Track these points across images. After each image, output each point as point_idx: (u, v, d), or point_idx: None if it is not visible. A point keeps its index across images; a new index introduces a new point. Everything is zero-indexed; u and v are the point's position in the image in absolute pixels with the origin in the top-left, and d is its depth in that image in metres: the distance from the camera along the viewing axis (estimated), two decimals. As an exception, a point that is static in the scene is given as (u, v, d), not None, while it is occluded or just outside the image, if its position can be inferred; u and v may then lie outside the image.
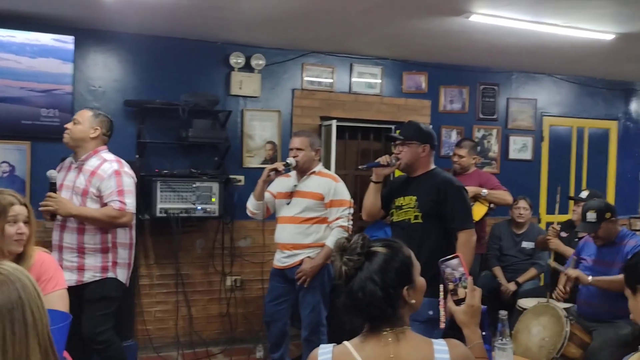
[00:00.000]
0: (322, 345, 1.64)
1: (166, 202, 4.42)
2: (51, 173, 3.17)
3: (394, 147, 3.23)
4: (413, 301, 1.61)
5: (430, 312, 3.02)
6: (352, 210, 3.83)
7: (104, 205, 3.18)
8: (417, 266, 1.67)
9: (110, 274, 3.22)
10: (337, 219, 3.73)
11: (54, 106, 4.29)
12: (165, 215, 4.37)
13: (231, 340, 4.82)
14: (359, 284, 1.56)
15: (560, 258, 4.44)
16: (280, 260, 3.85)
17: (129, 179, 3.25)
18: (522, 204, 5.05)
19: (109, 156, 3.31)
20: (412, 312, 1.65)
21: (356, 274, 1.57)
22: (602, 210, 3.51)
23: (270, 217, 4.05)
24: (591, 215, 3.52)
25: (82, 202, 3.20)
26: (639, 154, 6.61)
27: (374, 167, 3.19)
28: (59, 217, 3.19)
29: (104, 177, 3.18)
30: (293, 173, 3.85)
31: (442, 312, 1.94)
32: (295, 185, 3.81)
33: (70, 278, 3.09)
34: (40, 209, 3.09)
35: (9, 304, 1.18)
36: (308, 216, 3.74)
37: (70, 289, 3.00)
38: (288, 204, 3.80)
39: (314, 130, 5.19)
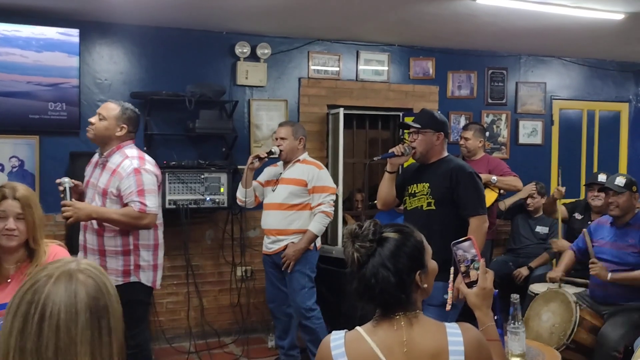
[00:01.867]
0: (334, 332, 1.63)
1: (175, 194, 4.43)
2: (62, 181, 2.98)
3: (408, 136, 3.22)
4: (425, 285, 1.60)
5: (445, 296, 3.01)
6: (334, 197, 3.96)
7: (124, 205, 2.99)
8: (428, 250, 1.65)
9: (133, 278, 3.05)
10: (319, 204, 3.86)
11: (61, 100, 4.30)
12: (174, 206, 4.38)
13: (243, 330, 4.84)
14: (371, 270, 1.55)
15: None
16: (267, 245, 4.00)
17: (150, 177, 3.02)
18: (533, 188, 5.02)
19: (132, 152, 3.08)
20: (424, 297, 1.64)
21: (368, 260, 1.55)
22: (632, 181, 3.58)
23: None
24: (620, 180, 3.57)
25: (102, 202, 3.03)
26: (650, 136, 6.54)
27: (389, 157, 3.19)
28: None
29: (123, 175, 2.98)
30: (280, 163, 4.00)
31: (449, 294, 1.93)
32: (280, 173, 3.96)
33: None
34: (62, 218, 2.98)
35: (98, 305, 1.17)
36: (292, 202, 3.87)
37: None
38: (274, 190, 3.95)
39: (321, 119, 5.17)
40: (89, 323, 1.15)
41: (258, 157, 3.87)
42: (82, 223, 3.09)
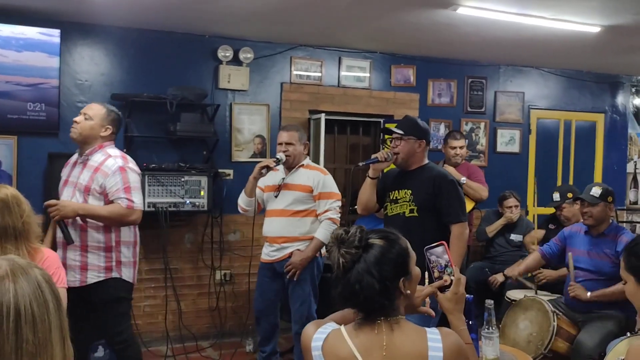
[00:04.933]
0: (322, 326, 1.65)
1: (154, 197, 4.41)
2: None
3: (389, 142, 3.25)
4: (408, 292, 1.62)
5: (427, 301, 3.06)
6: (340, 203, 3.83)
7: (109, 202, 3.03)
8: (413, 257, 1.67)
9: (114, 274, 3.09)
10: (326, 211, 3.73)
11: (40, 100, 4.26)
12: (153, 209, 4.36)
13: (220, 335, 4.82)
14: (356, 276, 1.56)
15: None
16: (269, 254, 3.83)
17: (135, 175, 3.10)
18: (512, 202, 5.08)
19: (114, 151, 3.15)
20: (407, 302, 1.66)
21: (353, 266, 1.57)
22: (608, 191, 3.59)
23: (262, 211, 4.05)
24: (596, 191, 3.58)
25: (84, 199, 3.06)
26: (625, 147, 6.68)
27: (372, 163, 3.22)
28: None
29: (108, 173, 3.02)
30: (281, 167, 3.84)
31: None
32: (283, 179, 3.80)
33: (74, 278, 3.02)
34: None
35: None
36: (297, 209, 3.74)
37: (75, 291, 2.95)
38: (276, 196, 3.79)
39: (303, 124, 5.19)
40: (56, 308, 1.17)
41: (267, 167, 3.63)
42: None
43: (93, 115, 3.13)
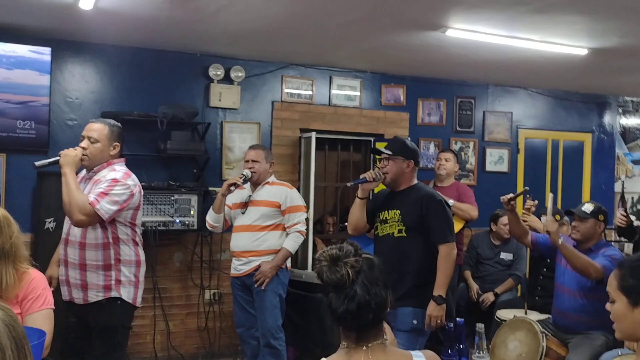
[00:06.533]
0: None
1: (144, 215, 4.37)
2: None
3: (379, 162, 3.27)
4: (389, 309, 1.62)
5: (415, 322, 3.06)
6: (306, 216, 4.03)
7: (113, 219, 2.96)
8: None
9: (113, 294, 3.01)
10: (295, 224, 3.92)
11: (30, 118, 4.24)
12: (143, 228, 4.31)
13: (210, 355, 4.77)
14: (363, 287, 1.55)
15: (536, 269, 4.50)
16: (237, 267, 3.97)
17: (122, 189, 2.94)
18: (507, 219, 5.08)
19: (121, 167, 3.06)
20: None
21: (357, 277, 1.56)
22: (600, 209, 3.59)
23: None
24: (588, 207, 3.59)
25: None
26: (612, 166, 6.75)
27: (361, 183, 3.23)
28: (64, 231, 3.05)
29: (101, 181, 2.97)
30: (247, 185, 4.01)
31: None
32: (249, 196, 3.97)
33: (78, 296, 2.99)
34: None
35: None
36: (264, 224, 3.90)
37: (77, 308, 2.97)
38: (243, 213, 3.95)
39: (294, 143, 5.21)
40: (14, 355, 1.12)
41: (235, 184, 3.82)
42: (63, 237, 3.06)
43: (98, 137, 3.02)
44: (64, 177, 2.89)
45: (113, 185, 2.94)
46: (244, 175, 3.90)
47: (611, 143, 6.73)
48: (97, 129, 3.04)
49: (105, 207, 2.89)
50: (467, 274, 5.08)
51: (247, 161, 3.97)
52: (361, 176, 3.25)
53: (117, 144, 3.08)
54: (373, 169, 3.28)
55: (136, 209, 3.08)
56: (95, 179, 3.03)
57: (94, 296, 3.00)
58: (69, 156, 2.91)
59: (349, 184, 3.37)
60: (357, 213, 3.30)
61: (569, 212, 3.75)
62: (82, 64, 4.55)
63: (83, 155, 2.99)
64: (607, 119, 6.70)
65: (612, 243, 6.12)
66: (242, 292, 3.99)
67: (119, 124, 3.17)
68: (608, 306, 1.71)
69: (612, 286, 1.70)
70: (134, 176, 3.09)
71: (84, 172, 3.15)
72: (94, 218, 2.88)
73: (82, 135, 3.06)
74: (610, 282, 1.72)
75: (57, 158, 2.94)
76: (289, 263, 4.02)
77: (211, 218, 3.98)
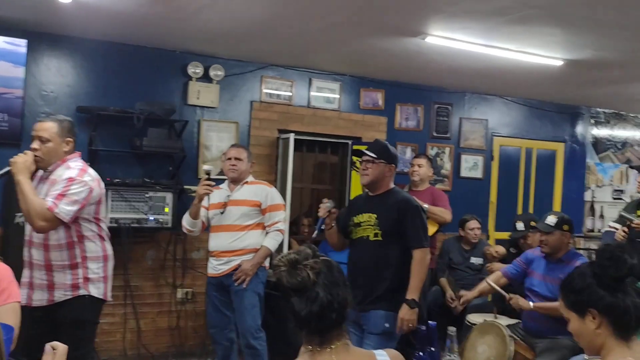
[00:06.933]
0: None
1: (117, 212, 4.34)
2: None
3: (360, 164, 3.29)
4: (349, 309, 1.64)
5: (387, 325, 3.08)
6: (284, 214, 4.06)
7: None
8: None
9: (82, 292, 2.95)
10: (275, 222, 3.90)
11: (3, 110, 4.17)
12: (115, 225, 4.28)
13: (180, 354, 4.74)
14: (324, 288, 1.56)
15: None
16: (215, 267, 3.91)
17: (79, 187, 2.87)
18: (474, 224, 5.16)
19: (76, 164, 2.97)
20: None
21: (318, 278, 1.57)
22: (563, 219, 3.66)
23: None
24: (551, 219, 3.65)
25: None
26: (583, 176, 6.89)
27: (322, 225, 3.29)
28: (26, 232, 2.97)
29: (57, 181, 2.89)
30: (224, 185, 3.97)
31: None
32: (228, 196, 3.91)
33: (42, 297, 2.91)
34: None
35: None
36: (245, 223, 3.86)
37: (43, 309, 2.88)
38: (222, 213, 3.88)
39: (272, 143, 5.20)
40: None
41: (207, 194, 3.72)
42: (26, 239, 2.98)
43: (49, 136, 2.94)
44: (18, 185, 2.80)
45: (69, 184, 2.85)
46: (205, 170, 3.78)
47: (583, 153, 6.88)
48: (47, 127, 2.95)
49: (65, 210, 2.81)
50: (443, 281, 5.11)
51: (230, 158, 3.92)
52: (318, 219, 3.30)
53: (69, 139, 2.99)
54: (352, 170, 3.31)
55: (98, 203, 3.00)
56: (52, 178, 2.95)
57: (62, 295, 2.94)
58: (19, 163, 2.81)
59: (314, 236, 3.39)
60: (334, 239, 3.37)
61: (534, 227, 3.80)
62: (58, 57, 4.48)
63: (35, 157, 2.90)
64: (579, 129, 6.84)
65: (581, 251, 6.26)
66: (217, 293, 3.93)
67: (69, 118, 3.08)
68: (569, 327, 1.81)
69: (562, 308, 1.82)
70: (90, 170, 3.01)
71: (40, 171, 3.06)
72: (55, 222, 2.81)
73: (32, 135, 2.96)
74: (560, 305, 1.84)
75: (8, 168, 2.83)
76: (267, 262, 4.00)
77: (188, 223, 3.90)
